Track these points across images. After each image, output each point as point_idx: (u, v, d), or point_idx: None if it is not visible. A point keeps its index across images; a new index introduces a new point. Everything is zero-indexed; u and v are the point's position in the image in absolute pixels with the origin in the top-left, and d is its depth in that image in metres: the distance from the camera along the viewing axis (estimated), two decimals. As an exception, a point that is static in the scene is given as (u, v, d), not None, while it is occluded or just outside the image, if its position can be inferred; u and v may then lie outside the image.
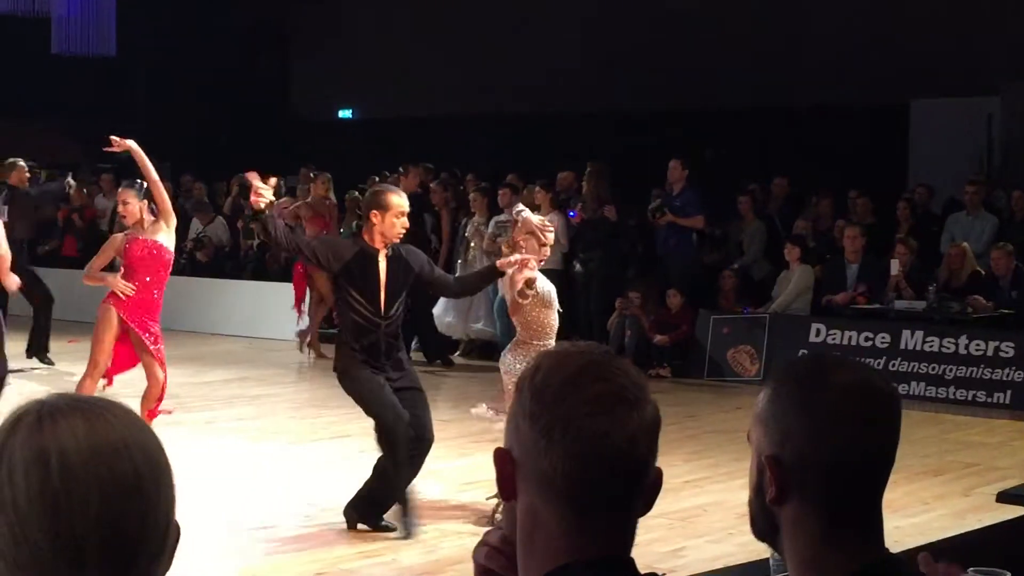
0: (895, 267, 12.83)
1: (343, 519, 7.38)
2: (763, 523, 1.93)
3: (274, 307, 16.26)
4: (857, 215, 14.23)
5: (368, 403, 7.17)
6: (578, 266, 13.88)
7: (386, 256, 7.16)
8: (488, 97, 20.82)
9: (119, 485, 1.40)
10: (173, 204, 18.00)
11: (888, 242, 13.36)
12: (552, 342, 7.52)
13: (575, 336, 13.88)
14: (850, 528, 1.89)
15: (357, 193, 15.38)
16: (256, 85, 23.92)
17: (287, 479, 8.57)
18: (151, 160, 8.65)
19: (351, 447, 9.60)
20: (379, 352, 7.15)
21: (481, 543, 1.83)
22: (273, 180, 7.18)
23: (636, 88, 19.46)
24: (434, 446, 9.54)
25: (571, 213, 13.95)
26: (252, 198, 7.17)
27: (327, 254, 7.19)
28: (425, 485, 8.37)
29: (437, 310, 14.43)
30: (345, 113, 24.01)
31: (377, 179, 17.04)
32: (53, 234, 19.37)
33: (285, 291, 16.35)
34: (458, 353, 14.51)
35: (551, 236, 7.55)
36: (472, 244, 14.33)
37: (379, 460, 7.28)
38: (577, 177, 14.60)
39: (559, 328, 7.71)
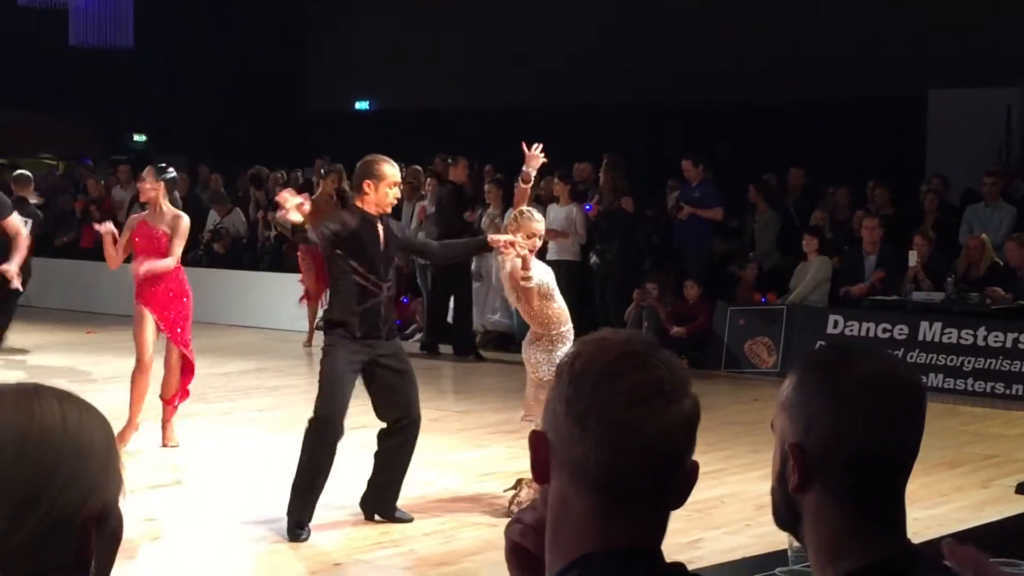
0: (913, 258, 12.79)
1: (360, 510, 7.40)
2: (785, 512, 1.92)
3: (292, 298, 16.27)
4: (875, 206, 14.18)
5: (324, 387, 7.16)
6: (595, 257, 13.86)
7: (381, 224, 7.19)
8: (504, 89, 20.82)
9: (49, 468, 1.45)
10: (190, 196, 18.05)
11: (906, 233, 13.31)
12: (568, 327, 7.53)
13: (591, 328, 13.89)
14: (873, 518, 1.87)
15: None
16: (273, 77, 23.94)
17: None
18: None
19: (368, 437, 9.59)
20: (378, 318, 7.17)
21: (515, 520, 1.82)
22: (300, 198, 7.16)
23: (653, 81, 19.43)
24: (450, 437, 9.59)
25: (587, 207, 13.93)
26: (281, 214, 7.16)
27: (336, 228, 7.16)
28: (441, 476, 8.39)
29: (453, 302, 14.43)
30: (362, 105, 24.01)
31: (406, 168, 17.10)
32: (71, 225, 19.43)
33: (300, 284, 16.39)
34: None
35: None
36: (484, 219, 14.35)
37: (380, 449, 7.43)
38: (594, 168, 14.59)
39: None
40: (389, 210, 7.27)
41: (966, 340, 11.84)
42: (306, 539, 6.93)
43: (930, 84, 17.32)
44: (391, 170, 7.19)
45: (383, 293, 7.18)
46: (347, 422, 10.18)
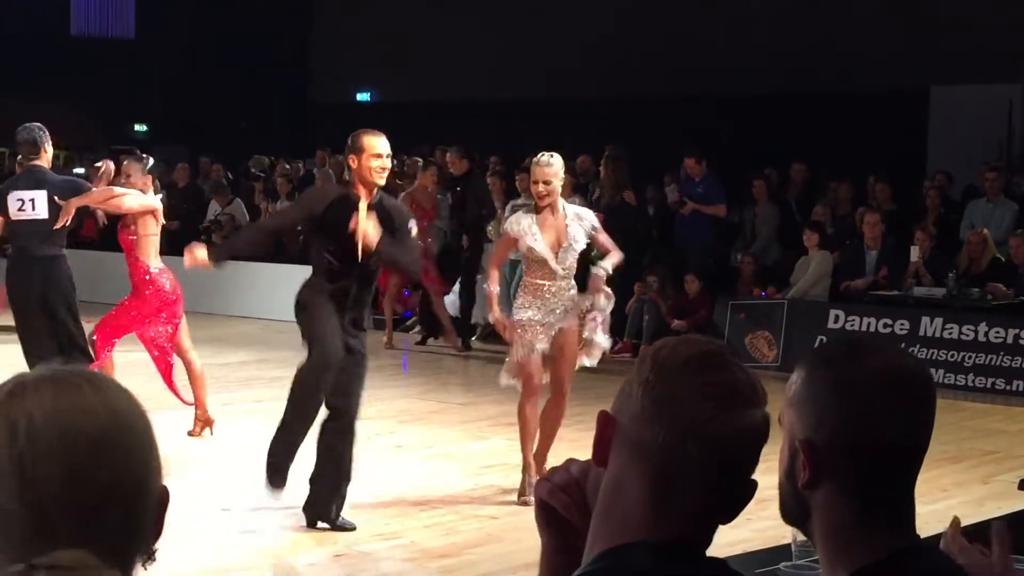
0: (915, 253, 12.79)
1: (361, 501, 7.37)
2: (794, 507, 1.91)
3: (291, 289, 16.26)
4: (876, 201, 14.17)
5: (312, 341, 6.98)
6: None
7: (369, 204, 6.83)
8: (505, 81, 20.82)
9: (82, 443, 1.39)
10: (192, 185, 17.98)
11: (907, 228, 13.30)
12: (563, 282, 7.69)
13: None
14: (883, 513, 1.86)
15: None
16: (275, 68, 23.93)
17: (303, 461, 8.56)
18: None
19: (368, 430, 9.59)
20: (347, 297, 6.93)
21: (544, 479, 1.82)
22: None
23: (654, 73, 19.43)
24: (451, 429, 9.57)
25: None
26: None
27: (306, 205, 7.12)
28: (442, 468, 8.38)
29: (452, 295, 14.42)
30: (363, 96, 23.99)
31: (407, 159, 17.08)
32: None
33: (302, 273, 16.35)
34: (475, 337, 14.50)
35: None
36: (490, 227, 14.31)
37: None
38: (594, 161, 14.56)
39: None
40: (378, 183, 6.86)
41: (967, 336, 11.83)
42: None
43: (932, 80, 17.33)
44: (372, 140, 6.80)
45: (353, 274, 6.88)
46: (371, 410, 10.19)
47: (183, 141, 22.42)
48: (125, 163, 9.39)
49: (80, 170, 21.86)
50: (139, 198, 8.90)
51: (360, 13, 23.40)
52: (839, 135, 17.15)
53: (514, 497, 7.58)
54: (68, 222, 8.67)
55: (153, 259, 9.05)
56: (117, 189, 9.01)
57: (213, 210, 18.01)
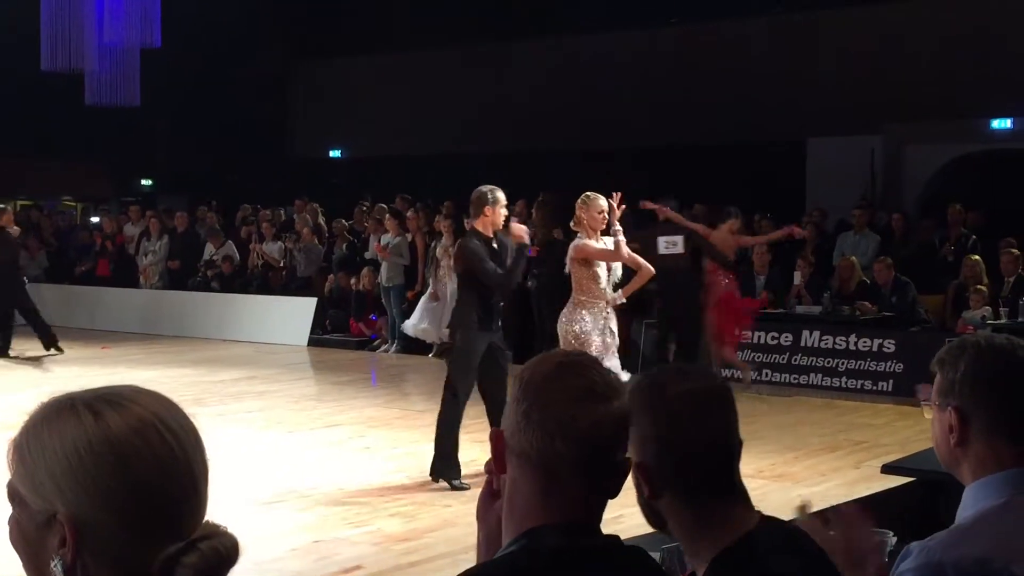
0: (797, 277, 12.90)
1: (336, 494, 7.34)
2: (651, 516, 1.95)
3: (278, 317, 16.20)
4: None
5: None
6: (532, 281, 13.87)
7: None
8: (450, 139, 20.89)
9: (198, 437, 1.38)
10: (190, 230, 17.79)
11: (790, 257, 13.41)
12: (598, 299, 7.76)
13: (535, 340, 13.90)
14: (719, 506, 1.90)
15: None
16: (260, 129, 23.83)
17: (287, 461, 8.52)
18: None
19: (342, 434, 9.56)
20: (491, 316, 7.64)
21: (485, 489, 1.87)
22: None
23: (583, 130, 19.53)
24: (410, 431, 9.55)
25: (528, 251, 13.94)
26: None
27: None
28: (404, 465, 8.34)
29: (413, 319, 14.39)
30: (335, 153, 23.95)
31: (368, 206, 17.05)
32: (89, 257, 19.23)
33: (286, 304, 16.31)
34: (431, 354, 14.47)
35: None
36: (441, 262, 14.31)
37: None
38: (527, 205, 14.62)
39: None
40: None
41: (840, 346, 11.92)
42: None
43: (808, 133, 17.53)
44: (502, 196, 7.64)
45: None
46: (322, 420, 10.16)
47: (183, 193, 22.26)
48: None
49: (96, 219, 21.67)
50: None
51: (332, 84, 23.39)
52: (732, 179, 17.29)
53: (468, 488, 7.55)
54: None
55: None
56: None
57: (208, 251, 17.88)
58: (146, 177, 25.46)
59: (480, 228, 7.61)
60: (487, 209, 7.52)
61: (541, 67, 20.44)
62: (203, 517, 1.36)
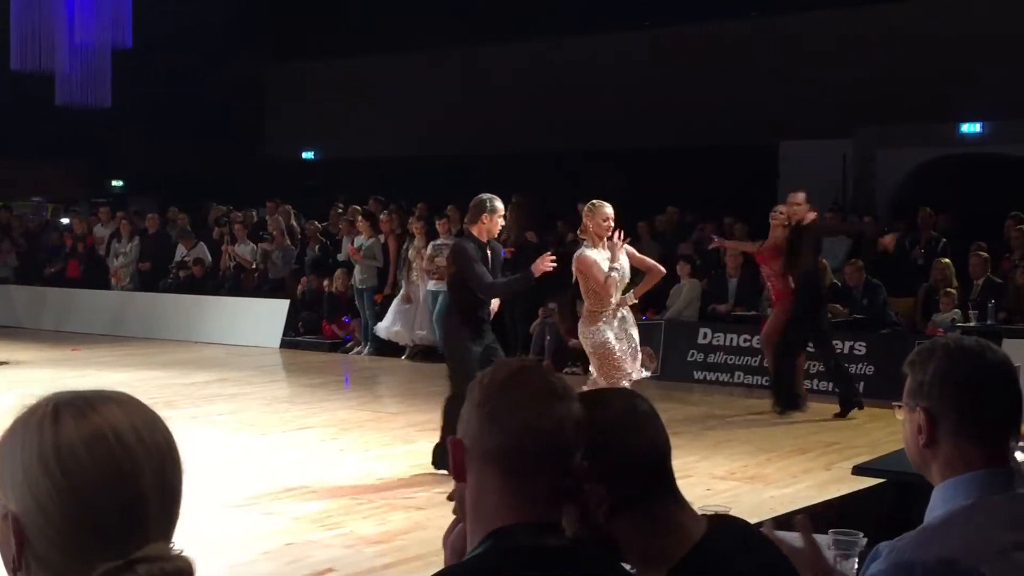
0: (769, 280, 12.92)
1: (308, 497, 7.32)
2: (595, 539, 1.94)
3: (250, 319, 16.14)
4: (735, 238, 14.32)
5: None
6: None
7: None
8: (423, 142, 20.88)
9: (161, 453, 1.35)
10: (161, 232, 17.67)
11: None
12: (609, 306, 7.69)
13: (508, 342, 13.90)
14: (661, 519, 1.90)
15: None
16: (233, 130, 23.74)
17: (259, 464, 8.49)
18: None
19: (314, 436, 9.54)
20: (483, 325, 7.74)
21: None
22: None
23: (555, 132, 19.57)
24: (383, 434, 9.53)
25: (503, 253, 13.96)
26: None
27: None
28: (377, 467, 8.33)
29: (386, 321, 14.37)
30: (308, 154, 23.89)
31: (342, 208, 17.01)
32: (59, 258, 19.11)
33: (259, 305, 16.24)
34: (404, 357, 14.46)
35: None
36: (414, 264, 14.30)
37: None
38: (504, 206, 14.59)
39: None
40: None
41: (811, 348, 11.96)
42: None
43: (781, 137, 17.61)
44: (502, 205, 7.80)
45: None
46: (295, 423, 10.13)
47: (154, 194, 22.14)
48: None
49: (66, 220, 21.52)
50: None
51: (306, 83, 23.34)
52: (705, 182, 17.36)
53: (439, 490, 7.55)
54: None
55: None
56: None
57: (180, 253, 17.80)
58: (117, 178, 25.31)
59: (475, 233, 7.74)
60: (485, 216, 7.68)
61: (514, 69, 20.47)
62: (159, 536, 1.33)
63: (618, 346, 7.72)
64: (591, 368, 7.83)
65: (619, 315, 7.81)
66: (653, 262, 8.31)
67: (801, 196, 10.54)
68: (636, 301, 8.10)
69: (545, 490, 1.71)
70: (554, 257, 7.77)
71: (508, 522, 1.70)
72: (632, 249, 8.02)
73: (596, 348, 7.71)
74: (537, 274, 7.72)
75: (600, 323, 7.71)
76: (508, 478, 1.71)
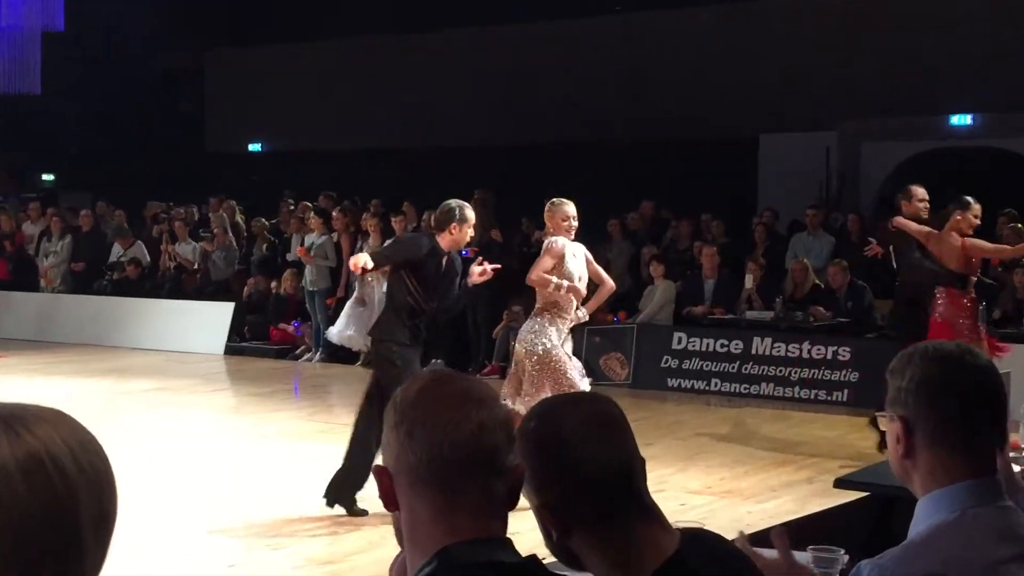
0: (749, 281, 13.02)
1: (254, 515, 7.28)
2: (563, 556, 1.95)
3: (192, 323, 16.05)
4: (712, 236, 14.41)
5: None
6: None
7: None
8: (378, 134, 20.84)
9: (99, 479, 1.30)
10: (96, 229, 17.56)
11: (740, 260, 13.54)
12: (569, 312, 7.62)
13: (470, 347, 13.93)
14: (630, 533, 1.90)
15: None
16: (173, 121, 23.60)
17: (201, 480, 8.44)
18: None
19: (261, 450, 9.50)
20: (419, 332, 7.57)
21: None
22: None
23: (517, 124, 19.57)
24: (335, 446, 9.45)
25: (464, 252, 13.94)
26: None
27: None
28: (327, 482, 8.29)
29: (338, 325, 14.29)
30: (254, 146, 23.79)
31: (293, 204, 16.95)
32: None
33: (201, 309, 16.16)
34: (358, 364, 14.41)
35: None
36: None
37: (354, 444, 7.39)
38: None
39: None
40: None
41: (792, 353, 12.07)
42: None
43: (761, 129, 17.70)
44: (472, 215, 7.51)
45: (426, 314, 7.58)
46: (245, 433, 10.08)
47: (87, 189, 21.96)
48: None
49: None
50: None
51: (250, 73, 23.23)
52: (682, 176, 17.42)
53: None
54: None
55: None
56: None
57: (116, 252, 17.68)
58: (47, 172, 25.10)
59: (440, 242, 7.45)
60: (453, 226, 7.38)
61: (473, 56, 20.46)
62: (93, 572, 1.29)
63: (563, 354, 7.56)
64: (520, 379, 7.53)
65: (568, 323, 7.69)
66: (606, 275, 8.05)
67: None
68: (588, 318, 7.96)
69: (479, 500, 1.71)
70: (495, 265, 7.62)
71: (450, 540, 1.69)
72: (590, 255, 7.84)
73: (536, 353, 7.49)
74: (470, 286, 7.65)
75: (551, 327, 7.52)
76: (437, 494, 1.71)
